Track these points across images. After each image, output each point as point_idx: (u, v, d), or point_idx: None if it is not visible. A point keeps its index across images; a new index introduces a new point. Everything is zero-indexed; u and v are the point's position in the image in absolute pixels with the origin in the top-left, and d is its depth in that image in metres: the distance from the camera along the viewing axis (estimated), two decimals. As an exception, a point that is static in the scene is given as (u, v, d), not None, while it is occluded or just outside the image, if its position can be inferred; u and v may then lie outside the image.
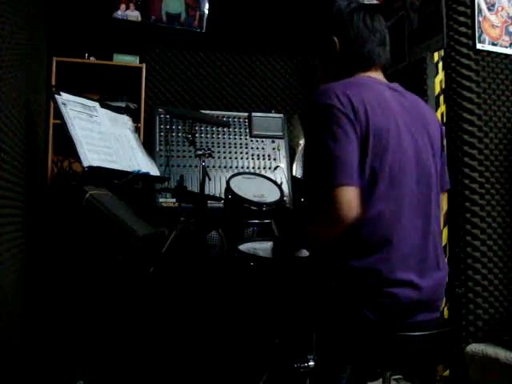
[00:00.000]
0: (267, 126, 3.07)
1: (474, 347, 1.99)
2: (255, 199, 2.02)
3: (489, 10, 2.15)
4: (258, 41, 3.31)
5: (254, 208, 2.00)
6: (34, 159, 2.25)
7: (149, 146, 2.74)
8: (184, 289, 2.11)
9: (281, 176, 2.89)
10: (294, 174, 2.95)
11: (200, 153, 2.19)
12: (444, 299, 1.29)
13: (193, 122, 2.25)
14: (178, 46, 3.22)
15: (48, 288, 2.22)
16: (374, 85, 1.24)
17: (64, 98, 1.97)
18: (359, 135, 1.13)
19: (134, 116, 2.62)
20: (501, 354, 1.88)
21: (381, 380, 1.26)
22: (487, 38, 2.13)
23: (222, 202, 2.11)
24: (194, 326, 2.00)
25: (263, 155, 3.01)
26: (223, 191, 2.13)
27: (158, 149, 2.84)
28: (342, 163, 1.10)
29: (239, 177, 2.17)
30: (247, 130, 3.05)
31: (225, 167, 2.93)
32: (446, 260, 1.30)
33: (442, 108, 2.18)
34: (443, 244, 2.12)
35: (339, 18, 1.30)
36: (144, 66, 2.94)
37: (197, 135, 2.87)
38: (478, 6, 2.12)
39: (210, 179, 2.27)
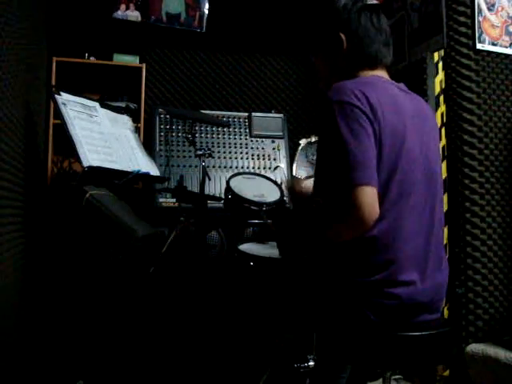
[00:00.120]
0: (267, 125, 3.08)
1: (473, 347, 1.99)
2: (255, 199, 2.02)
3: (489, 10, 2.15)
4: (257, 41, 3.31)
5: (254, 208, 2.00)
6: (34, 159, 2.25)
7: (149, 146, 2.74)
8: (184, 289, 2.11)
9: (281, 176, 2.89)
10: (294, 173, 2.95)
11: (200, 153, 2.19)
12: (444, 299, 1.29)
13: (193, 121, 2.26)
14: (177, 46, 3.22)
15: (48, 288, 2.22)
16: (385, 84, 1.24)
17: (64, 98, 1.97)
18: (378, 134, 1.12)
19: (134, 116, 2.62)
20: (501, 354, 1.88)
21: (381, 380, 1.26)
22: (487, 38, 2.13)
23: (222, 202, 2.11)
24: (194, 325, 2.00)
25: (263, 155, 3.01)
26: (223, 191, 2.13)
27: (158, 149, 2.84)
28: (362, 162, 1.08)
29: (239, 177, 2.18)
30: (247, 130, 3.05)
31: (225, 167, 2.93)
32: (447, 261, 1.30)
33: (442, 108, 2.18)
34: (443, 244, 2.12)
35: (347, 15, 1.29)
36: (144, 66, 2.94)
37: (197, 135, 2.87)
38: (478, 6, 2.11)
39: (209, 179, 2.27)
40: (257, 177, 2.26)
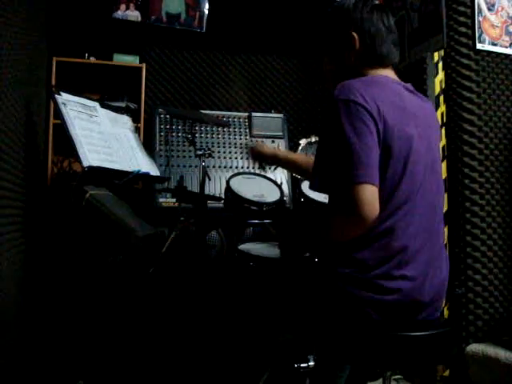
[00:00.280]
0: (267, 125, 3.07)
1: (473, 347, 1.99)
2: (255, 199, 2.02)
3: (489, 10, 2.15)
4: (258, 41, 3.31)
5: (254, 208, 2.00)
6: (34, 159, 2.25)
7: (149, 146, 2.74)
8: (184, 289, 2.11)
9: (281, 176, 2.89)
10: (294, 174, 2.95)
11: (200, 153, 2.19)
12: (444, 299, 1.29)
13: (193, 122, 2.25)
14: (177, 46, 3.22)
15: (48, 288, 2.22)
16: (392, 84, 1.24)
17: (64, 97, 1.97)
18: (382, 134, 1.12)
19: (134, 116, 2.62)
20: (501, 354, 1.88)
21: (381, 380, 1.26)
22: (487, 38, 2.13)
23: (222, 201, 2.11)
24: (194, 326, 2.00)
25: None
26: (223, 191, 2.13)
27: (158, 149, 2.84)
28: (364, 161, 1.08)
29: (239, 177, 2.17)
30: (247, 130, 3.05)
31: (225, 167, 2.92)
32: (448, 259, 1.30)
33: (442, 108, 2.18)
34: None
35: (359, 14, 1.29)
36: (144, 66, 2.94)
37: (197, 135, 2.87)
38: (478, 5, 2.12)
39: (209, 179, 2.27)
40: (257, 177, 2.26)
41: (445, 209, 2.13)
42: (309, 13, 3.18)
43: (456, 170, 2.11)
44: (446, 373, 2.10)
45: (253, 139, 3.04)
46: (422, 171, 1.19)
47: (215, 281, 2.03)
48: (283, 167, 1.93)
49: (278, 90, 3.42)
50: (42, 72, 2.55)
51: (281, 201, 2.09)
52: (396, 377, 2.14)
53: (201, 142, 2.90)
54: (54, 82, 2.71)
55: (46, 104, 2.71)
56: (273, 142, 3.06)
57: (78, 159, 1.82)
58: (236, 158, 2.96)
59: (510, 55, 2.18)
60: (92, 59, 2.89)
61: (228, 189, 2.05)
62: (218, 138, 2.99)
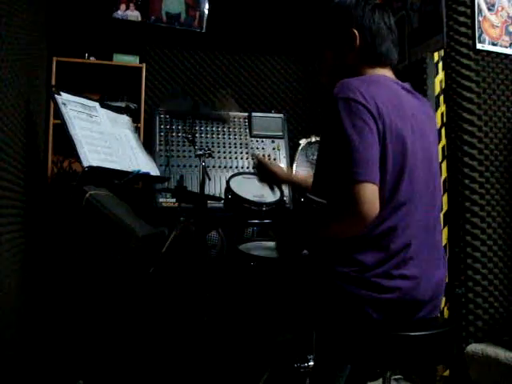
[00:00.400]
0: (267, 125, 3.07)
1: (473, 347, 1.99)
2: (255, 199, 2.02)
3: (489, 10, 2.15)
4: (258, 41, 3.31)
5: (254, 208, 2.00)
6: (34, 159, 2.25)
7: (149, 146, 2.74)
8: (184, 289, 2.11)
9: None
10: (294, 173, 2.95)
11: (200, 153, 2.19)
12: (444, 299, 1.30)
13: (193, 120, 2.25)
14: (177, 46, 3.22)
15: (48, 288, 2.22)
16: (390, 84, 1.24)
17: (64, 97, 1.97)
18: (382, 133, 1.12)
19: (134, 116, 2.62)
20: (501, 354, 1.88)
21: (381, 380, 1.26)
22: (487, 38, 2.13)
23: (222, 201, 2.11)
24: (193, 326, 2.00)
25: (263, 155, 3.01)
26: (223, 191, 2.13)
27: (157, 149, 2.84)
28: (364, 159, 1.08)
29: (239, 177, 2.17)
30: (247, 130, 3.05)
31: (225, 167, 2.93)
32: (446, 259, 1.30)
33: (442, 108, 2.18)
34: (443, 244, 2.12)
35: (361, 12, 1.28)
36: (144, 66, 2.94)
37: (197, 135, 2.87)
38: (478, 6, 2.11)
39: (209, 179, 2.27)
40: (257, 177, 2.26)
41: (445, 209, 2.13)
42: (309, 13, 3.18)
43: (456, 170, 2.11)
44: (446, 373, 2.10)
45: (252, 139, 3.04)
46: (420, 171, 1.19)
47: (215, 281, 2.03)
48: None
49: (278, 90, 3.42)
50: (42, 72, 2.55)
51: (281, 201, 2.09)
52: (396, 377, 2.14)
53: (201, 142, 2.90)
54: (54, 82, 2.71)
55: (46, 104, 2.71)
56: (273, 141, 3.06)
57: (77, 159, 1.82)
58: (236, 158, 2.96)
59: (510, 55, 2.18)
60: (92, 59, 2.89)
61: (228, 189, 2.05)
62: (218, 137, 2.99)
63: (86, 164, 1.81)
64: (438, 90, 2.18)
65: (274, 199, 2.07)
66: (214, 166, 2.89)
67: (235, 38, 3.26)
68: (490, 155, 2.12)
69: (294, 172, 2.95)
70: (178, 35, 3.12)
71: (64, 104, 1.94)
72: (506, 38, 2.18)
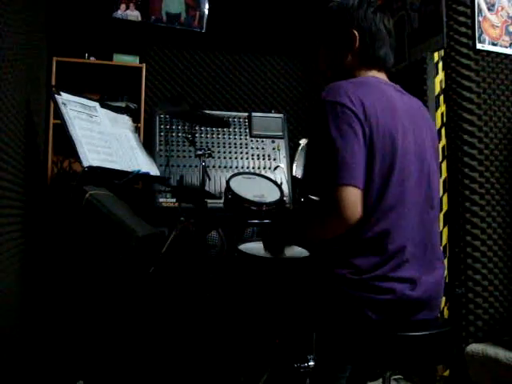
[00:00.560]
0: (267, 125, 3.08)
1: (473, 347, 1.99)
2: (255, 199, 2.02)
3: (489, 9, 2.14)
4: (258, 41, 3.31)
5: (254, 208, 2.00)
6: (34, 159, 2.25)
7: (149, 146, 2.74)
8: (184, 289, 2.11)
9: (281, 176, 2.89)
10: (293, 173, 2.95)
11: (200, 153, 2.19)
12: (444, 299, 1.30)
13: (192, 121, 2.25)
14: (177, 46, 3.22)
15: (48, 288, 2.22)
16: (382, 86, 1.24)
17: (64, 97, 1.97)
18: (368, 138, 1.12)
19: (134, 116, 2.62)
20: (501, 354, 1.88)
21: (381, 380, 1.26)
22: (487, 38, 2.13)
23: (222, 201, 2.11)
24: (193, 326, 2.00)
25: (263, 155, 3.01)
26: (223, 191, 2.13)
27: (158, 149, 2.84)
28: (348, 162, 1.09)
29: (239, 177, 2.18)
30: (247, 130, 3.05)
31: (225, 167, 2.93)
32: (443, 259, 1.30)
33: (442, 108, 2.18)
34: (443, 244, 2.12)
35: (363, 14, 1.29)
36: (144, 66, 2.94)
37: (197, 135, 2.87)
38: (478, 5, 2.11)
39: (209, 179, 2.27)
40: (257, 177, 2.26)
41: (445, 209, 2.13)
42: (309, 13, 3.18)
43: (456, 170, 2.11)
44: (446, 373, 2.10)
45: (252, 139, 3.04)
46: (413, 173, 1.18)
47: (215, 281, 2.03)
48: None
49: (278, 90, 3.43)
50: (42, 72, 2.55)
51: (281, 201, 2.09)
52: (396, 377, 2.14)
53: (201, 142, 2.90)
54: (54, 82, 2.71)
55: (46, 104, 2.71)
56: (273, 141, 3.06)
57: (77, 159, 1.82)
58: (236, 158, 2.96)
59: (510, 55, 2.18)
60: (92, 59, 2.89)
61: (228, 189, 2.05)
62: (218, 137, 2.99)
63: (85, 164, 1.81)
64: (437, 89, 2.18)
65: (273, 199, 2.08)
66: (213, 166, 2.89)
67: (235, 37, 3.26)
68: (489, 155, 2.12)
69: (294, 172, 2.95)
70: (178, 35, 3.12)
71: (64, 104, 1.94)
72: (506, 38, 2.18)
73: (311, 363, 1.29)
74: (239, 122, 3.07)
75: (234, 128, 3.04)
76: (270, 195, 2.10)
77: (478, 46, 2.11)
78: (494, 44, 2.14)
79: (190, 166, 2.84)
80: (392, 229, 1.13)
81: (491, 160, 2.12)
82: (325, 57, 1.37)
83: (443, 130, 2.16)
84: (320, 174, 1.14)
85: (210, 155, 2.22)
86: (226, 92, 3.32)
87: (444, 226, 2.13)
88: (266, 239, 1.40)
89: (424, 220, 1.20)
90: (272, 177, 2.42)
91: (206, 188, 2.29)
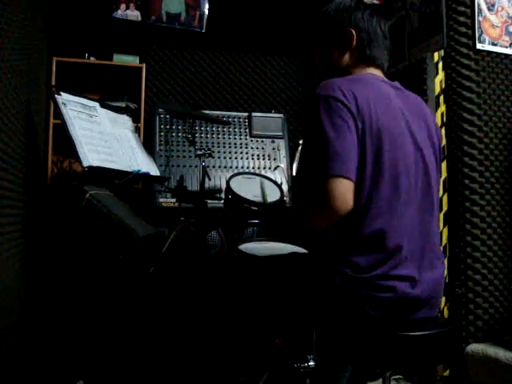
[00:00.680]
0: (267, 125, 3.08)
1: (473, 347, 1.99)
2: (255, 199, 2.02)
3: (489, 10, 2.15)
4: (258, 40, 3.31)
5: (254, 208, 2.00)
6: (34, 159, 2.25)
7: (149, 146, 2.74)
8: (184, 289, 2.11)
9: (281, 176, 2.89)
10: (293, 174, 2.95)
11: (200, 153, 2.19)
12: (444, 299, 1.30)
13: (192, 120, 2.25)
14: (177, 46, 3.22)
15: (48, 288, 2.22)
16: (378, 83, 1.25)
17: (64, 97, 1.97)
18: (361, 132, 1.13)
19: (134, 116, 2.62)
20: (501, 354, 1.88)
21: (381, 380, 1.26)
22: (487, 38, 2.13)
23: (222, 201, 2.11)
24: (193, 326, 2.00)
25: (263, 155, 3.01)
26: (223, 191, 2.13)
27: (158, 149, 2.84)
28: (339, 154, 1.10)
29: (239, 177, 2.17)
30: (247, 130, 3.05)
31: (225, 167, 2.93)
32: (443, 257, 1.30)
33: (442, 108, 2.18)
34: (443, 244, 2.12)
35: (360, 14, 1.30)
36: (144, 65, 2.94)
37: (197, 135, 2.87)
38: (478, 5, 2.12)
39: (209, 179, 2.27)
40: (257, 177, 2.26)
41: (445, 209, 2.13)
42: (309, 13, 3.18)
43: (456, 170, 2.11)
44: (446, 373, 2.10)
45: (252, 139, 3.04)
46: (409, 170, 1.18)
47: (215, 281, 2.02)
48: None
49: (278, 90, 3.42)
50: (42, 72, 2.55)
51: (281, 201, 2.09)
52: (396, 377, 2.14)
53: (201, 142, 2.90)
54: (54, 82, 2.71)
55: (46, 104, 2.71)
56: (273, 141, 3.06)
57: (78, 159, 1.82)
58: (236, 158, 2.96)
59: (510, 55, 2.18)
60: (92, 59, 2.89)
61: (228, 189, 2.05)
62: (218, 137, 2.99)
63: (85, 164, 1.81)
64: (438, 89, 2.18)
65: (274, 199, 2.07)
66: (213, 166, 2.89)
67: (235, 37, 3.26)
68: (490, 155, 2.12)
69: (294, 172, 2.95)
70: (177, 35, 3.12)
71: (64, 104, 1.94)
72: (506, 38, 2.18)
73: (311, 363, 1.29)
74: (239, 121, 3.07)
75: (234, 128, 3.04)
76: (270, 195, 2.10)
77: (478, 46, 2.11)
78: (494, 44, 2.14)
79: (190, 166, 2.84)
80: (388, 227, 1.13)
81: (491, 160, 2.12)
82: (322, 56, 1.38)
83: (443, 130, 2.16)
84: (312, 165, 1.15)
85: (210, 155, 2.22)
86: (226, 92, 3.32)
87: (444, 226, 2.13)
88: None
89: (422, 218, 1.20)
90: (272, 177, 2.42)
91: (206, 188, 2.29)
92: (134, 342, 1.95)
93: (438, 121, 2.15)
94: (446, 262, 2.08)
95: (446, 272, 2.03)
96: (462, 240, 2.09)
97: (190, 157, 2.84)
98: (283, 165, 2.99)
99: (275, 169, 2.95)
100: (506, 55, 2.18)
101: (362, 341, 1.14)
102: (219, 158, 2.93)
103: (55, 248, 2.29)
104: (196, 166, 2.81)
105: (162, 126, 2.91)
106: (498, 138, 2.14)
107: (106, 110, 2.23)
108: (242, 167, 2.94)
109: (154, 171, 2.31)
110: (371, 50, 1.30)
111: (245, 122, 3.07)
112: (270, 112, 3.22)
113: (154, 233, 1.98)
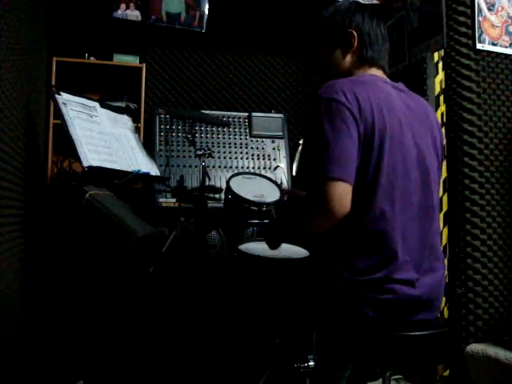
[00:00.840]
0: (267, 125, 3.08)
1: (473, 347, 1.99)
2: (255, 199, 2.02)
3: (489, 10, 2.14)
4: (258, 41, 3.31)
5: (254, 208, 2.00)
6: (34, 159, 2.25)
7: (149, 146, 2.74)
8: (184, 289, 2.11)
9: (281, 176, 2.89)
10: (294, 174, 2.95)
11: (200, 153, 2.19)
12: (444, 299, 1.30)
13: (193, 121, 2.26)
14: (178, 46, 3.22)
15: (48, 288, 2.22)
16: (381, 84, 1.25)
17: (64, 97, 1.97)
18: (363, 134, 1.13)
19: (134, 116, 2.62)
20: (501, 354, 1.88)
21: (381, 380, 1.26)
22: (487, 38, 2.13)
23: (222, 201, 2.11)
24: (193, 326, 2.00)
25: (263, 155, 3.01)
26: (223, 191, 2.13)
27: (158, 149, 2.84)
28: (338, 157, 1.10)
29: (239, 177, 2.17)
30: (247, 130, 3.05)
31: (225, 167, 2.93)
32: (444, 259, 1.30)
33: (442, 108, 2.18)
34: (443, 244, 2.12)
35: (360, 16, 1.30)
36: (144, 66, 2.94)
37: (197, 135, 2.87)
38: (478, 5, 2.11)
39: (209, 179, 2.27)
40: (257, 177, 2.26)
41: (445, 209, 2.13)
42: (309, 13, 3.18)
43: (456, 170, 2.11)
44: (446, 373, 2.10)
45: (252, 139, 3.04)
46: (413, 170, 1.19)
47: (215, 281, 2.02)
48: None
49: (278, 90, 3.42)
50: (42, 72, 2.55)
51: (281, 201, 2.09)
52: (396, 377, 2.14)
53: (201, 142, 2.90)
54: (54, 82, 2.71)
55: (46, 104, 2.71)
56: (273, 141, 3.06)
57: (78, 159, 1.82)
58: (236, 158, 2.96)
59: (510, 55, 2.18)
60: (92, 59, 2.89)
61: (228, 189, 2.05)
62: (218, 137, 2.99)
63: (85, 164, 1.81)
64: (438, 89, 2.18)
65: (274, 199, 2.07)
66: (213, 166, 2.89)
67: (235, 37, 3.26)
68: (490, 155, 2.12)
69: (294, 172, 2.95)
70: (177, 35, 3.12)
71: (64, 104, 1.94)
72: (506, 38, 2.18)
73: (311, 363, 1.29)
74: (239, 122, 3.07)
75: (234, 128, 3.04)
76: (270, 195, 2.10)
77: (478, 46, 2.11)
78: (494, 44, 2.14)
79: (190, 166, 2.84)
80: (387, 229, 1.13)
81: (491, 160, 2.12)
82: (323, 58, 1.37)
83: (443, 130, 2.16)
84: (311, 167, 1.15)
85: (210, 155, 2.22)
86: (226, 92, 3.32)
87: (444, 226, 2.13)
88: (264, 232, 1.41)
89: (423, 220, 1.20)
90: (272, 177, 2.42)
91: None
92: (134, 342, 1.95)
93: (436, 118, 2.15)
94: (446, 261, 2.08)
95: (446, 272, 2.03)
96: (462, 240, 2.09)
97: (190, 157, 2.84)
98: (283, 165, 2.99)
99: (275, 169, 2.95)
100: (506, 55, 2.17)
101: (362, 341, 1.14)
102: (219, 158, 2.93)
103: (55, 248, 2.29)
104: (196, 166, 2.81)
105: (162, 126, 2.91)
106: (498, 138, 2.14)
107: (106, 109, 2.23)
108: (242, 167, 2.94)
109: (154, 171, 2.31)
110: (373, 51, 1.30)
111: (245, 122, 3.07)
112: (270, 112, 3.22)
113: (153, 233, 1.98)
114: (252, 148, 3.02)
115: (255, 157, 3.00)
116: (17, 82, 1.67)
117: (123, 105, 2.79)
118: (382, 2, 2.60)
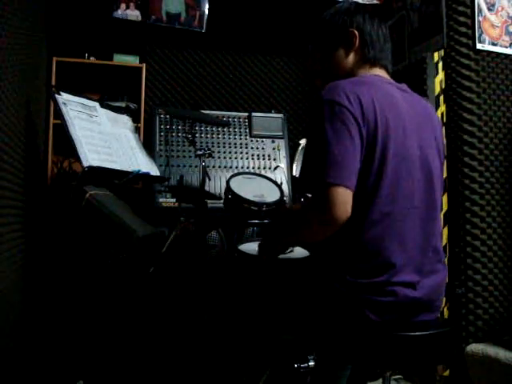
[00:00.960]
0: (267, 126, 3.07)
1: (473, 347, 1.99)
2: (255, 199, 2.02)
3: (489, 10, 2.15)
4: (258, 41, 3.31)
5: (254, 208, 2.00)
6: (34, 159, 2.25)
7: (149, 146, 2.74)
8: (184, 289, 2.11)
9: (281, 176, 2.89)
10: (293, 173, 2.95)
11: (200, 153, 2.19)
12: (444, 299, 1.30)
13: (193, 121, 2.25)
14: (178, 46, 3.22)
15: (48, 288, 2.22)
16: (384, 85, 1.24)
17: (64, 97, 1.97)
18: (365, 137, 1.12)
19: (134, 116, 2.62)
20: (501, 354, 1.88)
21: (381, 380, 1.26)
22: (487, 38, 2.13)
23: (222, 201, 2.11)
24: (193, 325, 2.00)
25: (263, 155, 3.01)
26: (223, 191, 2.13)
27: (157, 149, 2.84)
28: (339, 162, 1.08)
29: (239, 177, 2.17)
30: (247, 130, 3.05)
31: (225, 167, 2.93)
32: (445, 260, 1.30)
33: (442, 108, 2.18)
34: (443, 244, 2.12)
35: (361, 17, 1.30)
36: (144, 66, 2.94)
37: (197, 135, 2.87)
38: (478, 5, 2.12)
39: (209, 179, 2.27)
40: (257, 177, 2.26)
41: (445, 209, 2.13)
42: (309, 13, 3.18)
43: (456, 170, 2.11)
44: (446, 373, 2.10)
45: (252, 139, 3.04)
46: (415, 171, 1.18)
47: (215, 281, 2.02)
48: None
49: (278, 90, 3.42)
50: (42, 72, 2.55)
51: (281, 201, 2.09)
52: (396, 377, 2.14)
53: (201, 142, 2.90)
54: (54, 82, 2.70)
55: (46, 104, 2.71)
56: (273, 141, 3.06)
57: (78, 159, 1.82)
58: (236, 158, 2.96)
59: (510, 55, 2.18)
60: (92, 59, 2.89)
61: (228, 189, 2.05)
62: (218, 137, 2.99)
63: (85, 164, 1.81)
64: (438, 89, 2.18)
65: (274, 199, 2.07)
66: (213, 166, 2.89)
67: (235, 38, 3.26)
68: (489, 155, 2.12)
69: (294, 172, 2.95)
70: (178, 35, 3.11)
71: (64, 104, 1.94)
72: (506, 38, 2.18)
73: (311, 363, 1.29)
74: (239, 121, 3.07)
75: (234, 128, 3.04)
76: (270, 195, 2.10)
77: (478, 45, 2.11)
78: (494, 44, 2.14)
79: (190, 166, 2.84)
80: (389, 232, 1.13)
81: (491, 160, 2.12)
82: (323, 60, 1.36)
83: (443, 130, 2.16)
84: (313, 171, 1.14)
85: (210, 155, 2.22)
86: (225, 92, 3.31)
87: (444, 226, 2.13)
88: (260, 244, 1.40)
89: (424, 222, 1.20)
90: (272, 177, 2.42)
91: (206, 188, 2.29)
92: (134, 341, 1.95)
93: (439, 120, 2.15)
94: (446, 261, 2.08)
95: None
96: (462, 240, 2.09)
97: (190, 157, 2.84)
98: (283, 165, 2.99)
99: (275, 169, 2.95)
100: (506, 55, 2.18)
101: (362, 341, 1.14)
102: (219, 158, 2.93)
103: (55, 248, 2.29)
104: (196, 166, 2.81)
105: (162, 126, 2.91)
106: (498, 138, 2.14)
107: (106, 109, 2.23)
108: (242, 167, 2.94)
109: (154, 171, 2.31)
110: (375, 51, 1.29)
111: (245, 122, 3.07)
112: (270, 112, 3.22)
113: (154, 233, 1.98)
114: (252, 148, 3.02)
115: (255, 157, 3.00)
116: (17, 82, 1.67)
117: (123, 105, 2.79)
118: (382, 2, 2.60)
